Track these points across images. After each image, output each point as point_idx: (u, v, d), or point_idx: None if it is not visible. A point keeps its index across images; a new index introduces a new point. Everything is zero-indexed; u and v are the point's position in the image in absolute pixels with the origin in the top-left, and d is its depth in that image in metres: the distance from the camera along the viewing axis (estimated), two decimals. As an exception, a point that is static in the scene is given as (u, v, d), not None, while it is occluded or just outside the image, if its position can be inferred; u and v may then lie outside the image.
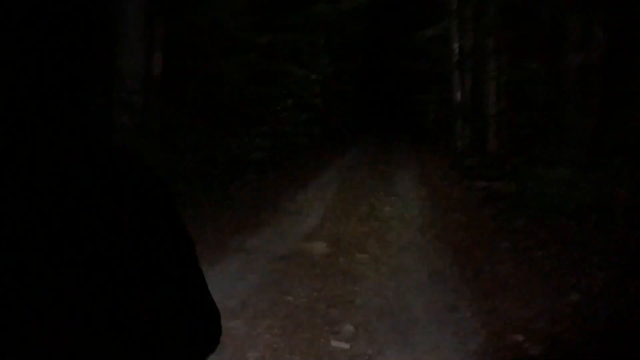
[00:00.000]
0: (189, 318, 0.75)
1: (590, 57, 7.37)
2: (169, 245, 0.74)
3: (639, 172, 5.77)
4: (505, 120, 11.87)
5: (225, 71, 8.02)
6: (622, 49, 7.26)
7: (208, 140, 7.42)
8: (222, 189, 7.74)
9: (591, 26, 7.45)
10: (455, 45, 13.17)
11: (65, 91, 0.70)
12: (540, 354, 3.28)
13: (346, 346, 3.44)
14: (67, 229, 0.65)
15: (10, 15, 0.65)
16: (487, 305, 4.08)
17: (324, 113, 13.27)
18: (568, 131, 7.75)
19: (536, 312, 3.83)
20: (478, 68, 12.93)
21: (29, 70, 0.66)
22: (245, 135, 8.08)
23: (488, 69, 11.61)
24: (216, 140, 7.55)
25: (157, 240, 0.72)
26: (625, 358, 3.14)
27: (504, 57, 10.88)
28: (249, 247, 5.63)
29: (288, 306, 4.06)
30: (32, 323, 0.63)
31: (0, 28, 0.65)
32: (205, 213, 6.46)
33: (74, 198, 0.66)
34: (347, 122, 18.58)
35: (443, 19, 13.51)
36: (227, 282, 4.42)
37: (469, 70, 13.16)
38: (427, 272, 4.95)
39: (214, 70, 7.80)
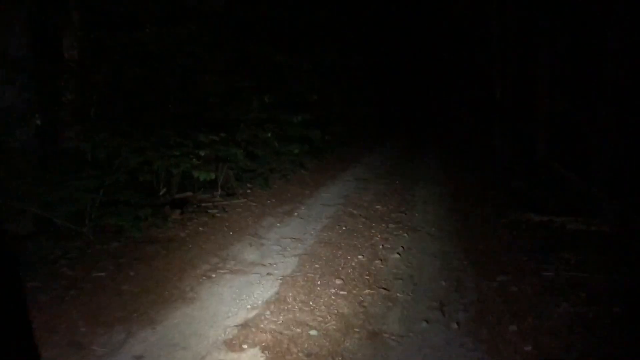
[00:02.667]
0: None
1: None
2: None
3: None
4: (558, 125, 9.17)
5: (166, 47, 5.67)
6: None
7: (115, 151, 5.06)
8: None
9: None
10: (495, 27, 10.49)
11: None
12: None
13: None
14: None
15: None
16: None
17: (322, 113, 10.86)
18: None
19: None
20: (526, 56, 10.25)
21: None
22: (178, 147, 5.60)
23: (541, 56, 8.96)
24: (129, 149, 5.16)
25: None
26: None
27: (563, 40, 8.23)
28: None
29: None
30: None
31: None
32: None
33: None
34: (359, 124, 15.99)
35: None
36: None
37: (513, 59, 10.49)
38: None
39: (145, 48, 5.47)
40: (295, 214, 6.94)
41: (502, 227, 5.78)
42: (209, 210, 6.29)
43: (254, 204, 7.19)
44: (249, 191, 7.81)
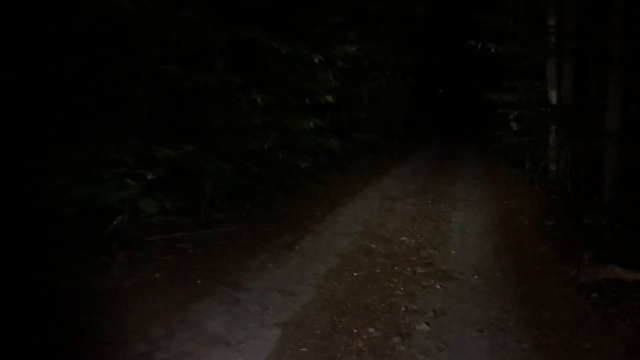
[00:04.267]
0: None
1: None
2: None
3: None
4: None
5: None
6: None
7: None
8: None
9: None
10: (552, 17, 8.67)
11: None
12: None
13: None
14: None
15: None
16: None
17: (344, 117, 9.30)
18: None
19: None
20: (590, 54, 8.42)
21: None
22: (113, 166, 4.02)
23: (613, 53, 7.14)
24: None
25: None
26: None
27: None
28: None
29: None
30: None
31: None
32: None
33: None
34: (388, 131, 14.34)
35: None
36: None
37: (573, 57, 8.67)
38: None
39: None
40: (297, 247, 5.44)
41: (577, 287, 4.10)
42: (178, 245, 4.85)
43: (246, 232, 5.72)
44: (244, 214, 6.35)
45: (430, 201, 8.16)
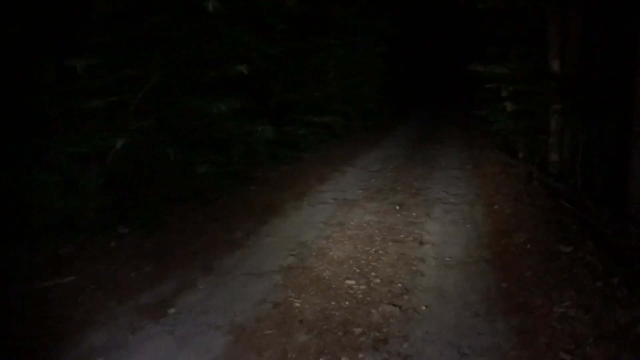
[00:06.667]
0: None
1: None
2: None
3: None
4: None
5: None
6: None
7: None
8: None
9: None
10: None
11: None
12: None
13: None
14: None
15: None
16: None
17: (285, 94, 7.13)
18: None
19: None
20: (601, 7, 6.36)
21: None
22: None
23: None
24: None
25: None
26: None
27: None
28: None
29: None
30: None
31: None
32: None
33: None
34: (356, 108, 12.17)
35: None
36: None
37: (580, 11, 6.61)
38: None
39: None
40: (171, 310, 3.38)
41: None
42: None
43: (92, 285, 3.63)
44: (108, 246, 4.24)
45: (398, 206, 6.14)
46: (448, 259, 4.44)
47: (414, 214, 5.87)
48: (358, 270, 4.10)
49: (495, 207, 6.06)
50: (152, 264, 3.97)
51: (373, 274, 4.05)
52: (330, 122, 9.99)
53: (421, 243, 4.84)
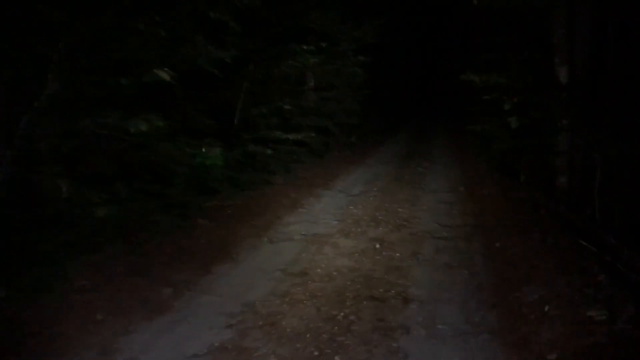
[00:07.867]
0: None
1: None
2: None
3: None
4: None
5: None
6: None
7: None
8: None
9: None
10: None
11: None
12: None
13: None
14: None
15: None
16: None
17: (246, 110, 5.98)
18: None
19: None
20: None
21: None
22: None
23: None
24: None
25: None
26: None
27: None
28: None
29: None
30: None
31: None
32: None
33: None
34: (337, 123, 11.05)
35: None
36: None
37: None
38: None
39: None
40: None
41: None
42: None
43: None
44: None
45: (378, 244, 5.00)
46: (441, 326, 3.30)
47: (398, 254, 4.74)
48: (317, 354, 2.93)
49: (497, 244, 4.94)
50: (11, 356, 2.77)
51: (337, 359, 2.89)
52: (306, 139, 8.87)
53: (405, 301, 3.70)
